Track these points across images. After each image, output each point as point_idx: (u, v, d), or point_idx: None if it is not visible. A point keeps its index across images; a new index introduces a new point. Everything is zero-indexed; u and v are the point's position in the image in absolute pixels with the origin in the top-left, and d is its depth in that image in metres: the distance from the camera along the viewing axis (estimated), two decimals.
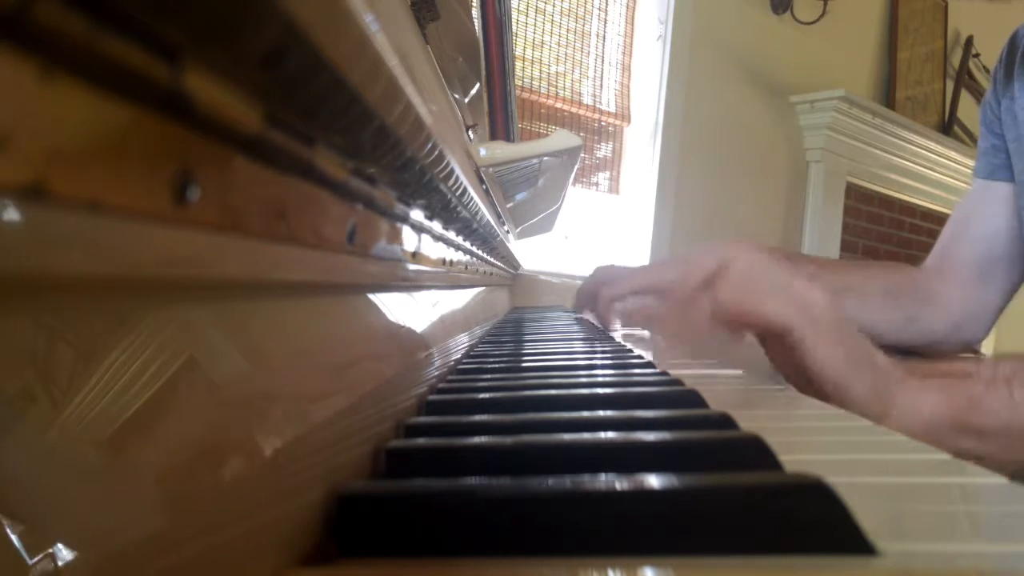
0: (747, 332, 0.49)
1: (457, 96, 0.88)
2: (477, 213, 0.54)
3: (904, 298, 0.90)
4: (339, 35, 0.16)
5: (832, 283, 0.87)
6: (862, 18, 2.99)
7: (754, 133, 2.61)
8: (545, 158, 0.90)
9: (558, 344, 0.67)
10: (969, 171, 3.20)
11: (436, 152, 0.32)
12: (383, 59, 0.20)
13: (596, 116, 2.30)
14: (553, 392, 0.37)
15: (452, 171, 0.37)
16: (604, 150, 2.34)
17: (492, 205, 0.68)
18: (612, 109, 2.33)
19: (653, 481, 0.18)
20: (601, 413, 0.30)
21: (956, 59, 3.42)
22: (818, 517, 0.17)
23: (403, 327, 0.37)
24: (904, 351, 0.91)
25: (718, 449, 0.24)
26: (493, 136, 1.16)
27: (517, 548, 0.17)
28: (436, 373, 0.42)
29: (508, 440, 0.25)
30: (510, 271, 1.29)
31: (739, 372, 0.51)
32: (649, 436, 0.24)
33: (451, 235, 0.53)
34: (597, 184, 2.33)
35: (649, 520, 0.17)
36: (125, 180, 0.12)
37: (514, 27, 2.00)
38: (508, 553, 0.17)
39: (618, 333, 0.79)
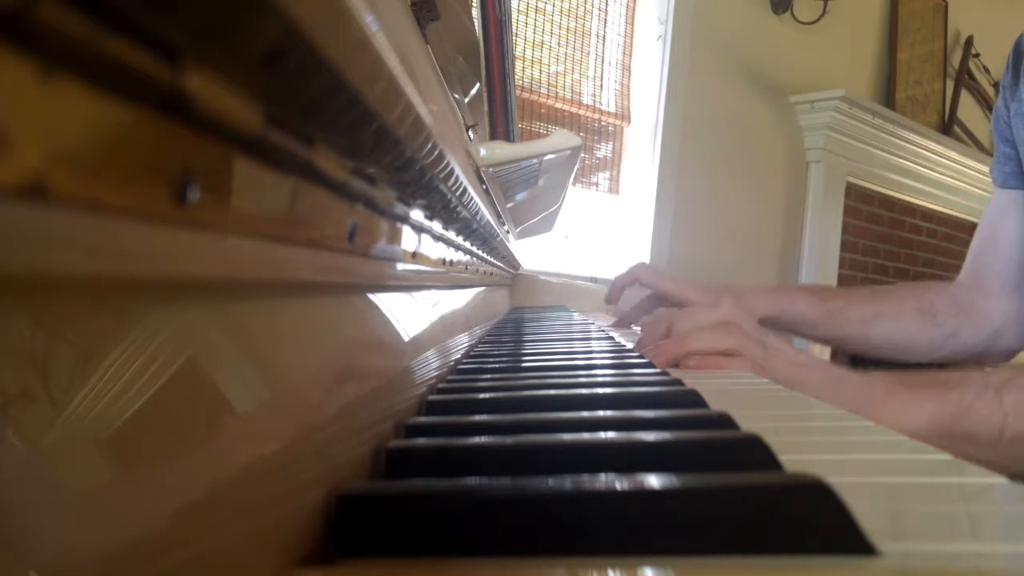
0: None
1: (457, 96, 0.88)
2: (477, 213, 0.54)
3: (941, 316, 0.91)
4: (339, 35, 0.16)
5: (862, 313, 0.91)
6: (862, 18, 2.99)
7: (754, 133, 2.61)
8: (545, 158, 0.90)
9: (558, 344, 0.67)
10: (969, 171, 3.22)
11: (436, 152, 0.32)
12: (383, 59, 0.20)
13: (596, 116, 2.30)
14: (553, 392, 0.37)
15: (452, 171, 0.37)
16: (604, 150, 2.34)
17: (492, 205, 0.68)
18: (612, 109, 2.33)
19: (653, 481, 0.18)
20: (601, 413, 0.30)
21: (956, 59, 3.42)
22: (818, 517, 0.17)
23: (403, 327, 0.37)
24: (942, 366, 0.93)
25: (718, 449, 0.24)
26: (493, 136, 1.16)
27: (517, 548, 0.17)
28: (436, 373, 0.42)
29: (508, 440, 0.25)
30: (510, 271, 1.29)
31: (740, 373, 0.52)
32: (649, 436, 0.24)
33: (451, 235, 0.53)
34: (597, 184, 2.33)
35: (649, 520, 0.17)
36: (125, 180, 0.12)
37: (514, 27, 2.00)
38: (508, 553, 0.17)
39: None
